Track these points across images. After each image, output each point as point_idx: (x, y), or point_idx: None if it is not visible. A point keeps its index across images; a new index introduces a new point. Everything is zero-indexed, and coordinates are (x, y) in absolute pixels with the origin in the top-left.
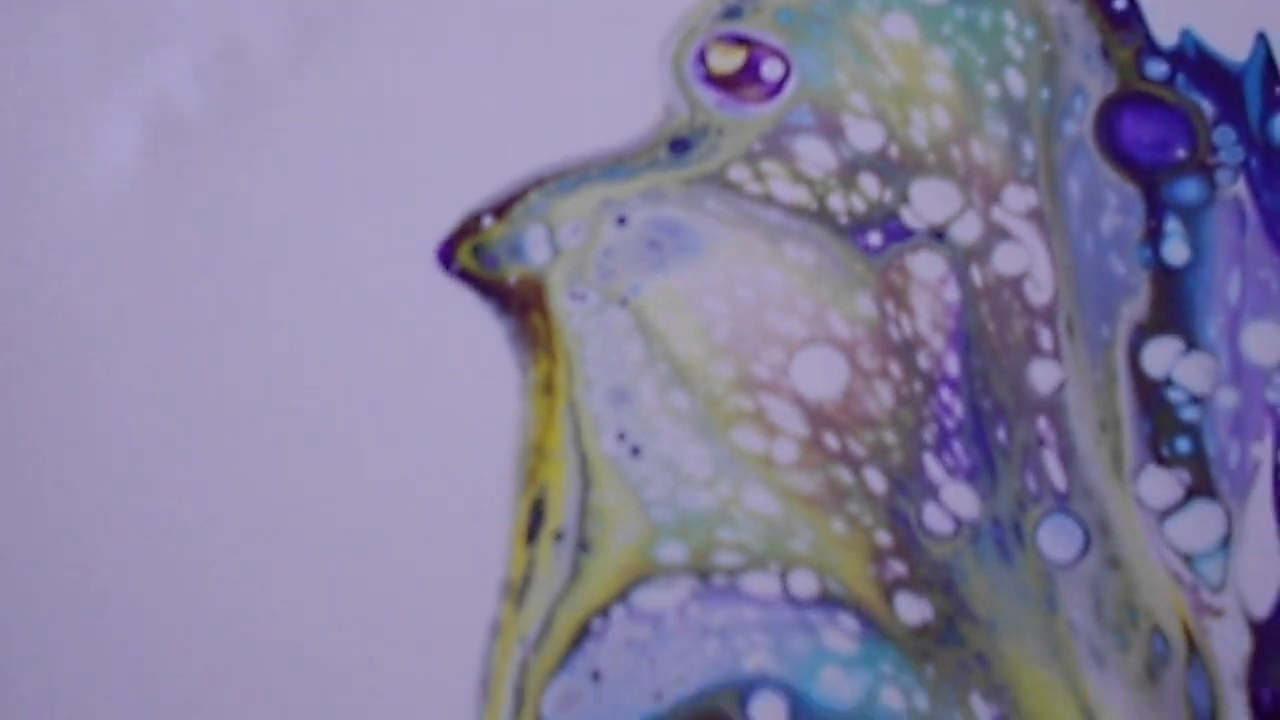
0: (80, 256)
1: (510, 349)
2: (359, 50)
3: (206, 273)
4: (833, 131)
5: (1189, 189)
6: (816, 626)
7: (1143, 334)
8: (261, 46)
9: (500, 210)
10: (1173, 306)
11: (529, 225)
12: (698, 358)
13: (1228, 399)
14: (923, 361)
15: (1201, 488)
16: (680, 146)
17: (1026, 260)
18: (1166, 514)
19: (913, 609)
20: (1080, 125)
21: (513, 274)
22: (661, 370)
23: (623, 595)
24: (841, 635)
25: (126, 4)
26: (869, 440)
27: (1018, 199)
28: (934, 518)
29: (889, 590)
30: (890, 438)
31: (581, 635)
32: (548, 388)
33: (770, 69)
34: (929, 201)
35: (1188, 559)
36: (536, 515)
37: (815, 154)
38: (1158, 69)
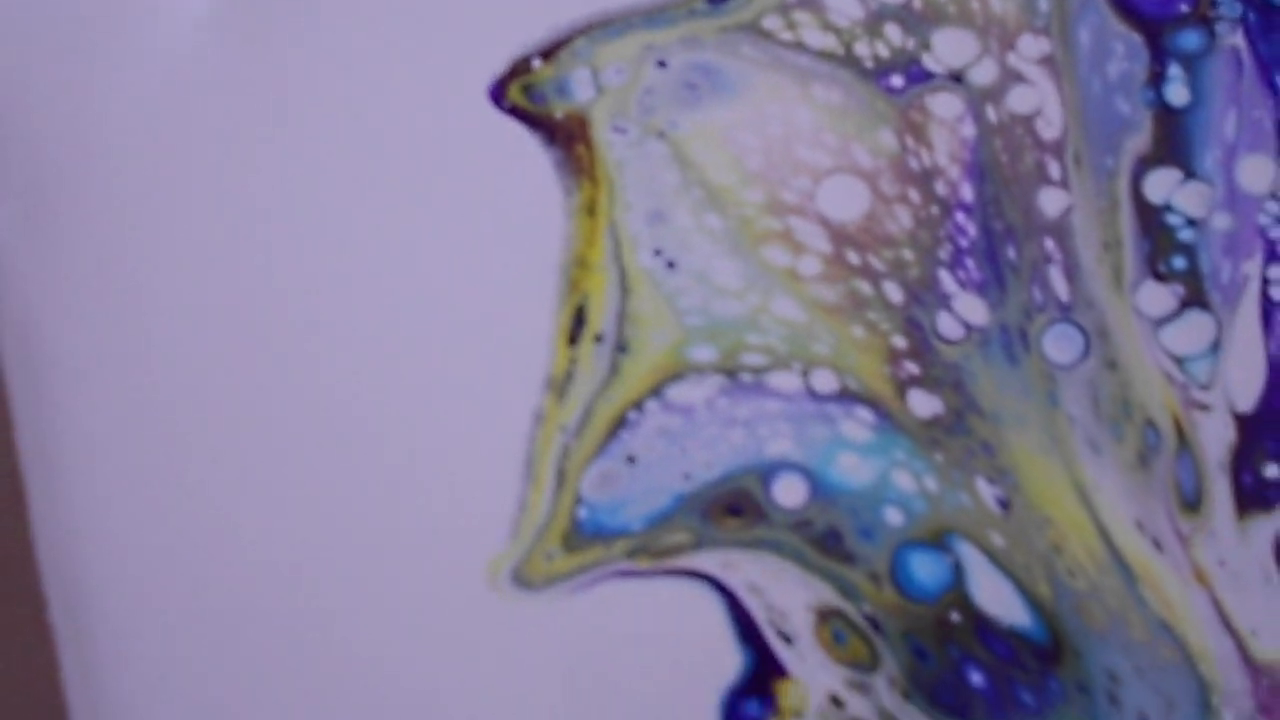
0: (143, 126)
1: (557, 175)
2: None
3: (273, 124)
4: None
5: (1190, 39)
6: (835, 418)
7: (1144, 165)
8: None
9: (548, 54)
10: (1173, 141)
11: (575, 68)
12: (730, 184)
13: (1222, 222)
14: (940, 189)
15: (1194, 299)
16: None
17: (1038, 100)
18: (1162, 322)
19: (924, 404)
20: None
21: (559, 110)
22: (696, 195)
23: (656, 391)
24: (858, 425)
25: None
26: (888, 257)
27: (1032, 46)
28: (946, 324)
29: (903, 387)
30: (908, 255)
31: (618, 425)
32: (590, 210)
33: None
34: (949, 48)
35: (1179, 361)
36: (579, 320)
37: (843, 5)
38: None
